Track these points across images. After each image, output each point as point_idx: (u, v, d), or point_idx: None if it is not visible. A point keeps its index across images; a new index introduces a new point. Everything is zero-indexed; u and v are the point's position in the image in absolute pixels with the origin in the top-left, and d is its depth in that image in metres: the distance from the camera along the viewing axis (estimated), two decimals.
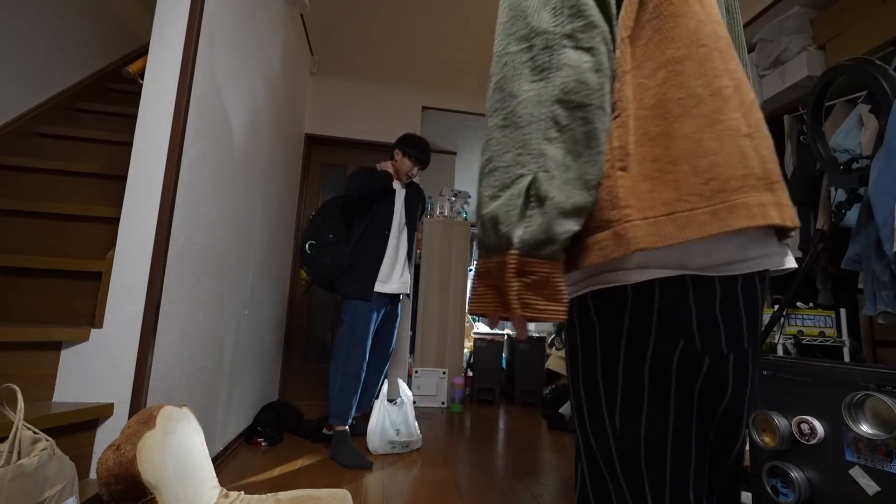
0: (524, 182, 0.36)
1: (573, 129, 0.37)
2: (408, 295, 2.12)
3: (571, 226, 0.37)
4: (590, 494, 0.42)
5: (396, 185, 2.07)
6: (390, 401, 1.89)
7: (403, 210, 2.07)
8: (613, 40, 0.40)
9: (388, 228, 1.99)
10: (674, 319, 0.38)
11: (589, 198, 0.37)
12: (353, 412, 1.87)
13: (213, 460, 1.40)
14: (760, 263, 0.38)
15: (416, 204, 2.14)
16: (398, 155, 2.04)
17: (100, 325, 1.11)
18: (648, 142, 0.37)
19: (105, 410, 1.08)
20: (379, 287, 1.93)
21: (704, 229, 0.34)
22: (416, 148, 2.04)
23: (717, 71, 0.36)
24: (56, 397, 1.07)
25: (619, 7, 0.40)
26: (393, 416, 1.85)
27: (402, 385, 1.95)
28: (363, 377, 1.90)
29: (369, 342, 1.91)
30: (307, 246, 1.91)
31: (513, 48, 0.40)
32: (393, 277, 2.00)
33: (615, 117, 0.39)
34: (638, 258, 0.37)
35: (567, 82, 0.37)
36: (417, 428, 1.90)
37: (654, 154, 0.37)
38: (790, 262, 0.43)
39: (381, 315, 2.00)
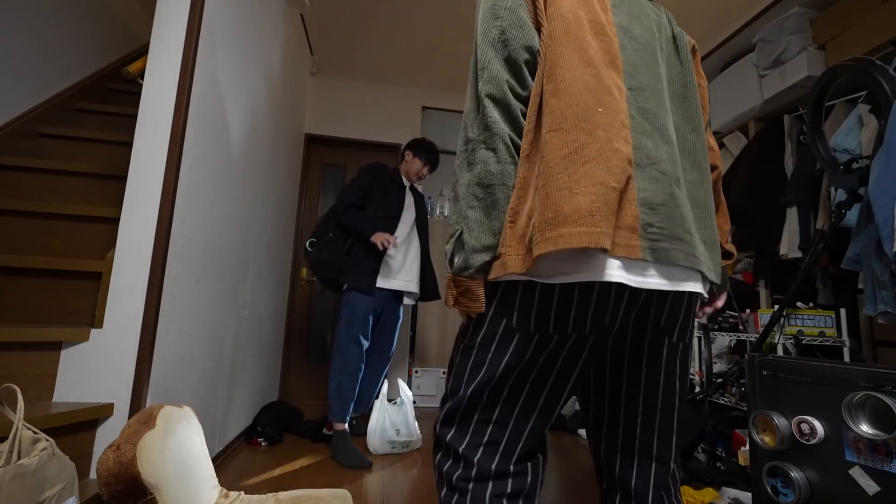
0: (458, 234, 0.61)
1: (485, 199, 0.59)
2: (413, 295, 2.09)
3: (483, 258, 0.58)
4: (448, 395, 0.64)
5: (406, 183, 2.11)
6: (390, 401, 1.89)
7: (414, 208, 2.09)
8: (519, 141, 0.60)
9: (397, 222, 1.99)
10: (525, 307, 0.58)
11: (494, 240, 0.59)
12: (351, 410, 1.87)
13: (214, 460, 1.40)
14: (582, 277, 0.54)
15: (424, 206, 2.16)
16: (409, 156, 2.09)
17: (100, 325, 1.11)
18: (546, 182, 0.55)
19: (105, 410, 1.08)
20: (381, 282, 1.93)
21: (531, 260, 0.54)
22: (427, 150, 2.10)
23: (553, 169, 0.55)
24: (56, 397, 1.07)
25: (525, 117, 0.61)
26: (393, 416, 1.85)
27: (402, 385, 1.95)
28: (361, 375, 1.90)
29: (368, 338, 1.91)
30: (308, 244, 1.94)
31: (460, 148, 0.62)
32: (399, 274, 1.99)
33: (515, 189, 0.58)
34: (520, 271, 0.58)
35: (480, 171, 0.59)
36: (417, 428, 1.90)
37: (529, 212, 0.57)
38: (617, 278, 0.53)
39: (381, 312, 1.99)
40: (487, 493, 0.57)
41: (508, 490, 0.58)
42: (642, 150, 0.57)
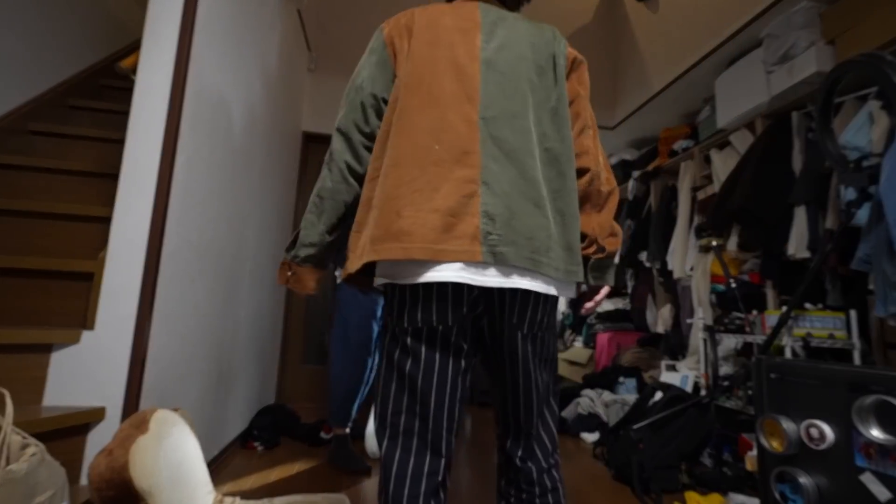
0: (297, 230, 0.81)
1: (318, 207, 0.78)
2: None
3: (308, 251, 0.79)
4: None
5: None
6: None
7: None
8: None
9: None
10: (389, 303, 0.72)
11: (318, 239, 0.79)
12: (354, 415, 1.84)
13: (209, 465, 1.38)
14: (427, 279, 0.65)
15: None
16: None
17: (91, 327, 1.10)
18: (373, 217, 0.69)
19: (97, 414, 1.07)
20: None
21: (360, 264, 0.70)
22: None
23: (388, 195, 0.68)
24: (46, 401, 1.06)
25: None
26: None
27: None
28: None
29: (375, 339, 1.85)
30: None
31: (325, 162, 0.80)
32: None
33: (360, 205, 0.74)
34: (379, 272, 0.72)
35: (319, 186, 0.79)
36: None
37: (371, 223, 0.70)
38: (456, 279, 0.65)
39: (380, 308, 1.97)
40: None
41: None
42: (488, 171, 0.68)
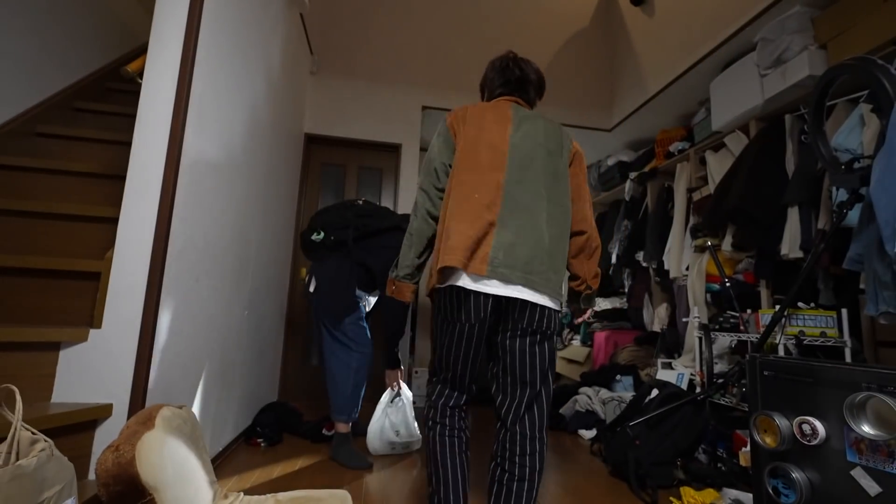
0: (397, 258, 1.15)
1: (410, 240, 1.11)
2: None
3: (405, 271, 1.12)
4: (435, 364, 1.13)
5: None
6: (390, 402, 1.89)
7: None
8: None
9: None
10: (445, 304, 1.03)
11: (410, 262, 1.12)
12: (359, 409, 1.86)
13: (213, 461, 1.40)
14: (451, 283, 1.00)
15: None
16: None
17: (99, 326, 1.11)
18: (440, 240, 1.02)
19: (104, 411, 1.08)
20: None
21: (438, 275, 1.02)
22: None
23: (454, 218, 1.00)
24: (55, 398, 1.07)
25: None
26: (393, 417, 1.84)
27: (402, 385, 1.95)
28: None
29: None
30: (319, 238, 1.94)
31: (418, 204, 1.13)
32: None
33: (437, 237, 1.05)
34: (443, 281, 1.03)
35: (411, 227, 1.12)
36: (417, 428, 1.90)
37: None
38: (464, 284, 0.99)
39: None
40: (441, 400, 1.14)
41: (447, 414, 1.13)
42: (503, 218, 1.00)
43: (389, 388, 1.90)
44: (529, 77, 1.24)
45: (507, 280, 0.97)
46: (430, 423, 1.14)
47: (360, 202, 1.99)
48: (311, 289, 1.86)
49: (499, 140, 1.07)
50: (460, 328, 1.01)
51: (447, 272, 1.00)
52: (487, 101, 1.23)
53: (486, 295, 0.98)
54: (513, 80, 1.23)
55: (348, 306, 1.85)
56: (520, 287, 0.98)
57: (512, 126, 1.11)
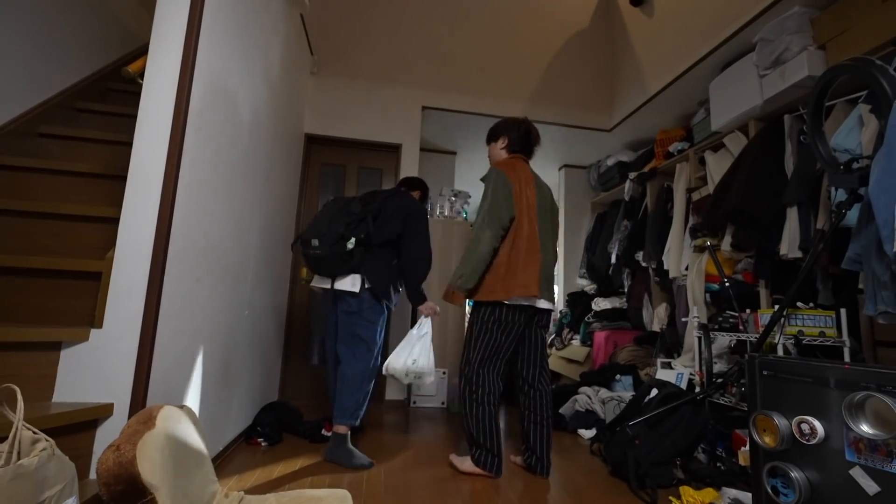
0: (461, 273, 1.67)
1: (475, 266, 1.64)
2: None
3: (468, 285, 1.65)
4: (469, 357, 1.70)
5: None
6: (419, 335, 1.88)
7: None
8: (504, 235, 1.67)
9: None
10: (504, 314, 1.67)
11: (473, 281, 1.65)
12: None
13: (213, 460, 1.40)
14: (522, 302, 1.65)
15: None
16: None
17: (100, 325, 1.11)
18: (501, 270, 1.65)
19: (105, 410, 1.08)
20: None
21: (504, 296, 1.65)
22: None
23: (518, 261, 1.66)
24: (56, 397, 1.08)
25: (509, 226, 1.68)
26: (417, 346, 1.83)
27: (426, 321, 1.91)
28: None
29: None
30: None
31: (475, 234, 1.66)
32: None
33: (500, 266, 1.65)
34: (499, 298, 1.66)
35: (479, 252, 1.63)
36: (433, 363, 1.85)
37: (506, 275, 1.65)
38: (540, 305, 1.71)
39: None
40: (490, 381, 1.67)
41: (495, 386, 1.67)
42: (540, 262, 1.67)
43: (426, 318, 1.91)
44: (538, 143, 1.89)
45: (542, 297, 1.67)
46: (484, 390, 1.65)
47: (343, 199, 1.98)
48: (355, 288, 1.83)
49: (532, 200, 1.71)
50: (516, 327, 1.67)
51: (514, 296, 1.62)
52: (507, 156, 1.82)
53: (533, 307, 1.69)
54: (529, 146, 1.85)
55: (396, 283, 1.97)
56: (543, 301, 1.69)
57: (535, 189, 1.75)
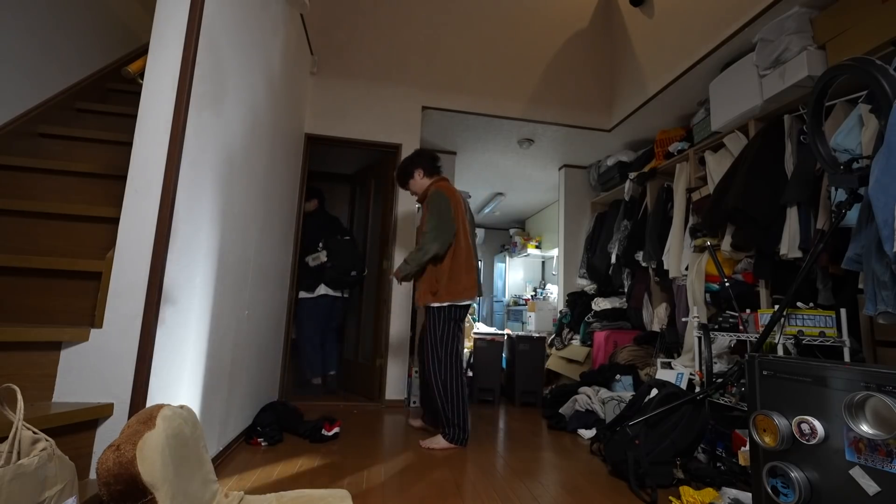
0: (404, 268, 2.10)
1: (420, 262, 2.04)
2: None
3: (402, 278, 2.10)
4: (427, 363, 2.07)
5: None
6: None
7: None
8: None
9: None
10: (456, 312, 2.08)
11: (410, 275, 2.10)
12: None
13: (213, 460, 1.40)
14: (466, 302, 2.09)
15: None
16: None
17: (100, 325, 1.11)
18: (450, 276, 2.06)
19: (105, 410, 1.08)
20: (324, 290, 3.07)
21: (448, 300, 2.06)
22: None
23: (461, 269, 2.06)
24: (56, 397, 1.08)
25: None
26: None
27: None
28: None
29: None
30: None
31: (422, 243, 2.05)
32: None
33: (443, 271, 2.05)
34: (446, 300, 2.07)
35: (427, 254, 2.03)
36: None
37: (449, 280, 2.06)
38: (470, 301, 2.10)
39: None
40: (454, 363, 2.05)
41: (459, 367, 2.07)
42: (476, 268, 2.13)
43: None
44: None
45: (475, 297, 2.08)
46: (457, 379, 1.99)
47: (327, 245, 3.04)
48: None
49: (464, 217, 2.11)
50: (461, 320, 2.07)
51: (464, 298, 2.02)
52: (436, 178, 2.19)
53: (470, 305, 2.09)
54: (439, 166, 2.24)
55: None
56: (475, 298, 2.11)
57: (463, 205, 2.15)
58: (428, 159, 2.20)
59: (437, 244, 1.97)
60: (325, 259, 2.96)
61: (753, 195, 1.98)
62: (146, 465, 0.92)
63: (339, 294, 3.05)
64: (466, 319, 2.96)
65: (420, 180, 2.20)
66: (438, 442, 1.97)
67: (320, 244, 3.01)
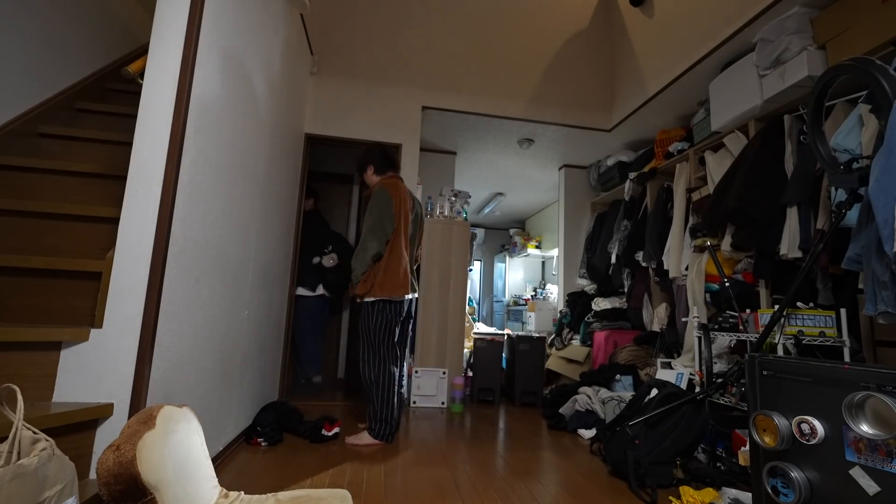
0: (359, 272, 2.03)
1: (364, 264, 1.99)
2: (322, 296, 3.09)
3: (355, 281, 2.01)
4: (365, 359, 2.06)
5: None
6: None
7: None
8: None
9: None
10: (386, 306, 2.05)
11: (363, 269, 2.00)
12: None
13: (213, 460, 1.40)
14: (400, 298, 2.06)
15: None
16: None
17: (100, 325, 1.11)
18: (385, 272, 2.04)
19: (105, 410, 1.08)
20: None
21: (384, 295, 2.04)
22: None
23: (399, 256, 2.07)
24: (56, 397, 1.08)
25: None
26: None
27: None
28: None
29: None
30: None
31: (363, 241, 2.02)
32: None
33: (380, 267, 2.04)
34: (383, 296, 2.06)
35: (368, 256, 2.00)
36: None
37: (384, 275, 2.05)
38: (409, 297, 2.13)
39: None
40: (388, 366, 2.03)
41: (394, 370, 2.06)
42: (408, 263, 2.11)
43: None
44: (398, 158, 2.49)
45: (412, 292, 2.13)
46: (388, 373, 1.99)
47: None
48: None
49: (408, 215, 2.11)
50: (397, 317, 2.06)
51: (399, 293, 2.02)
52: (385, 175, 2.17)
53: (410, 300, 2.15)
54: (394, 164, 2.23)
55: None
56: (410, 294, 2.11)
57: (410, 202, 2.16)
58: (379, 157, 2.20)
59: (374, 242, 1.96)
60: (338, 262, 3.04)
61: (753, 195, 1.98)
62: (146, 465, 0.92)
63: (330, 296, 3.07)
64: (466, 319, 2.94)
65: (371, 176, 2.20)
66: (363, 438, 1.94)
67: (329, 247, 3.04)
